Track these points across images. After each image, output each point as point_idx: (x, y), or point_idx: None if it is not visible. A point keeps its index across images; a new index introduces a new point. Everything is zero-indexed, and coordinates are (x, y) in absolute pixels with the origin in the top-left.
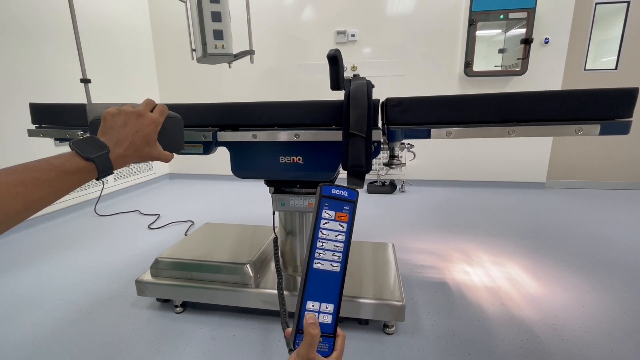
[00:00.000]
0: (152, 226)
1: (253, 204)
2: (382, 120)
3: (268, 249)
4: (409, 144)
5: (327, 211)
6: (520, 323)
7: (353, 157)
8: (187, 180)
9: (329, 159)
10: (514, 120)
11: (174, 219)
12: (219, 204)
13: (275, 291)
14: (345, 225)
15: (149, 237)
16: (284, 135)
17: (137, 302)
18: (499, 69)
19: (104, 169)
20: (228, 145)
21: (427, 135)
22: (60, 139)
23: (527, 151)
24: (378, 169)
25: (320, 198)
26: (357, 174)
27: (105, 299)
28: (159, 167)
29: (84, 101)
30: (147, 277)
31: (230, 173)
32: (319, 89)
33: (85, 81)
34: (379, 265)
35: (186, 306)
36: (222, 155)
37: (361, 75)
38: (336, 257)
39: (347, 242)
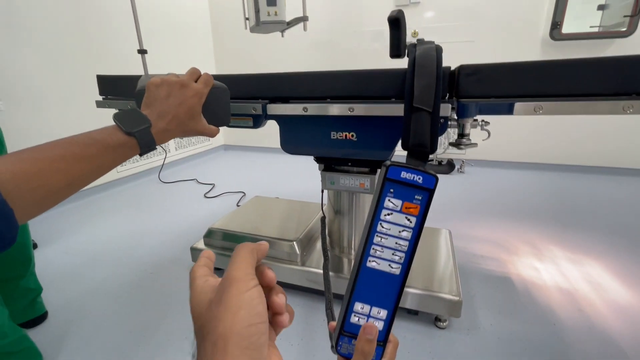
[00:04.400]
0: (207, 195)
1: (305, 178)
2: (450, 92)
3: (316, 227)
4: (483, 120)
5: (392, 199)
6: (603, 334)
7: (415, 134)
8: (241, 152)
9: (386, 136)
10: (632, 93)
11: (227, 189)
12: (271, 176)
13: (321, 270)
14: (414, 219)
15: (205, 205)
16: (336, 109)
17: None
18: (596, 29)
19: (145, 145)
20: (278, 118)
21: (509, 111)
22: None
23: (629, 129)
24: None
25: (384, 182)
26: (419, 155)
27: (165, 261)
28: (214, 138)
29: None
30: (201, 245)
31: (304, 156)
32: (375, 58)
33: (142, 52)
34: (433, 253)
35: None
36: (275, 128)
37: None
38: (397, 258)
39: (414, 241)
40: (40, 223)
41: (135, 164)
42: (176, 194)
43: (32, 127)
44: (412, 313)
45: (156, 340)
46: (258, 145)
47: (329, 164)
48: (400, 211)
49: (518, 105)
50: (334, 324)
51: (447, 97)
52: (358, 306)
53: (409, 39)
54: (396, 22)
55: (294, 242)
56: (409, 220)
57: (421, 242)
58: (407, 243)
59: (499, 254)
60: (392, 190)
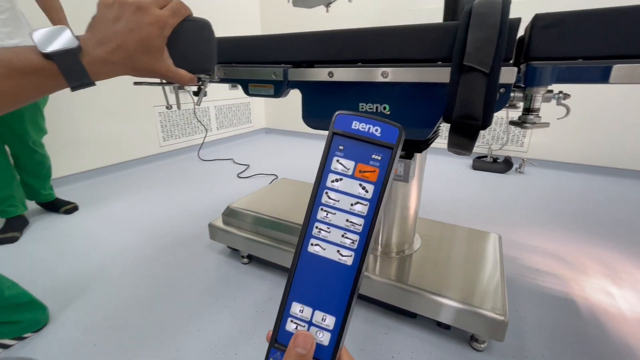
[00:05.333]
0: (240, 175)
1: None
2: (517, 53)
3: None
4: (561, 92)
5: (342, 160)
6: None
7: (464, 102)
8: (282, 136)
9: (426, 110)
10: None
11: (261, 171)
12: (308, 162)
13: None
14: (371, 188)
15: (237, 184)
16: (366, 74)
17: (211, 245)
18: None
19: (72, 76)
20: (300, 86)
21: (603, 77)
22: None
23: None
24: (490, 141)
25: (332, 136)
26: (466, 129)
27: (186, 237)
28: (256, 121)
29: None
30: (219, 222)
31: (326, 132)
32: None
33: None
34: (476, 259)
35: (252, 259)
36: None
37: None
38: (348, 242)
39: (372, 219)
40: (85, 187)
41: (178, 140)
42: (212, 172)
43: (81, 92)
44: (443, 327)
45: (162, 315)
46: (300, 130)
47: None
48: (352, 176)
49: (618, 68)
50: (270, 334)
51: (511, 60)
52: (296, 308)
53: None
54: None
55: None
56: (364, 188)
57: (463, 244)
58: (361, 221)
59: (560, 270)
60: (341, 147)
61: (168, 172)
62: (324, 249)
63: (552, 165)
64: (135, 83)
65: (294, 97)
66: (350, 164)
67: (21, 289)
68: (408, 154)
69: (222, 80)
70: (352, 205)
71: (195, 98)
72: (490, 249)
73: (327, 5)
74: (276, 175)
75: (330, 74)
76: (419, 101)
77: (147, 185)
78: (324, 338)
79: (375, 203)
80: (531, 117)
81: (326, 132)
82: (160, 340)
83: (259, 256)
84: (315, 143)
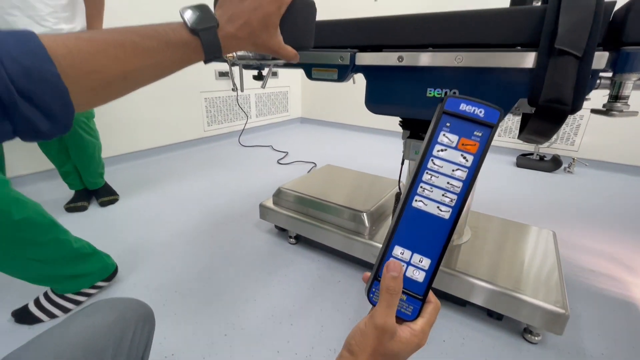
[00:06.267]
0: (280, 161)
1: (378, 157)
2: (607, 37)
3: (389, 203)
4: None
5: (447, 134)
6: None
7: (552, 86)
8: (317, 126)
9: (499, 96)
10: None
11: (299, 158)
12: (343, 152)
13: None
14: (470, 158)
15: (277, 170)
16: (439, 59)
17: (259, 224)
18: None
19: (210, 49)
20: (366, 70)
21: None
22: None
23: None
24: None
25: (441, 115)
26: (552, 113)
27: (235, 215)
28: (292, 110)
29: None
30: (269, 203)
31: (360, 124)
32: None
33: None
34: (531, 252)
35: (299, 239)
36: (354, 104)
37: None
38: (447, 200)
39: (469, 183)
40: (138, 166)
41: (220, 126)
42: (253, 157)
43: None
44: (495, 317)
45: (220, 284)
46: (334, 120)
47: (416, 130)
48: (455, 148)
49: None
50: (368, 274)
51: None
52: (398, 250)
53: None
54: None
55: (364, 214)
56: (464, 158)
57: (515, 239)
58: (460, 184)
59: (618, 273)
60: (448, 124)
61: (212, 155)
62: (426, 205)
63: (605, 166)
64: (239, 57)
65: (330, 88)
66: (454, 137)
67: (85, 241)
68: None
69: (286, 65)
70: (453, 170)
71: (255, 83)
72: (545, 245)
73: None
74: (315, 163)
75: (400, 59)
76: (492, 87)
77: (194, 167)
78: (419, 276)
79: (474, 170)
80: (619, 104)
81: (389, 118)
82: (221, 305)
83: (308, 236)
84: (349, 133)
